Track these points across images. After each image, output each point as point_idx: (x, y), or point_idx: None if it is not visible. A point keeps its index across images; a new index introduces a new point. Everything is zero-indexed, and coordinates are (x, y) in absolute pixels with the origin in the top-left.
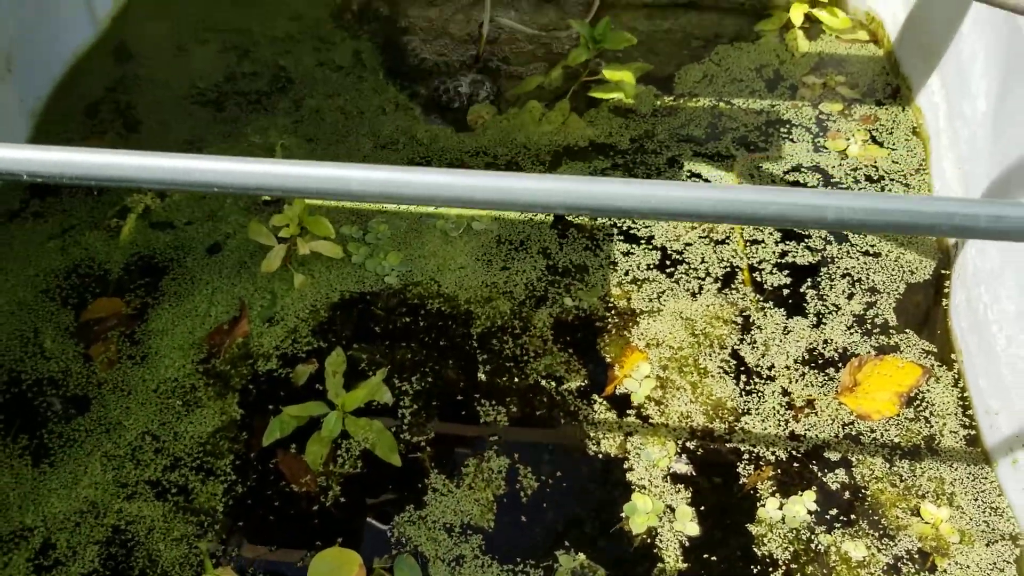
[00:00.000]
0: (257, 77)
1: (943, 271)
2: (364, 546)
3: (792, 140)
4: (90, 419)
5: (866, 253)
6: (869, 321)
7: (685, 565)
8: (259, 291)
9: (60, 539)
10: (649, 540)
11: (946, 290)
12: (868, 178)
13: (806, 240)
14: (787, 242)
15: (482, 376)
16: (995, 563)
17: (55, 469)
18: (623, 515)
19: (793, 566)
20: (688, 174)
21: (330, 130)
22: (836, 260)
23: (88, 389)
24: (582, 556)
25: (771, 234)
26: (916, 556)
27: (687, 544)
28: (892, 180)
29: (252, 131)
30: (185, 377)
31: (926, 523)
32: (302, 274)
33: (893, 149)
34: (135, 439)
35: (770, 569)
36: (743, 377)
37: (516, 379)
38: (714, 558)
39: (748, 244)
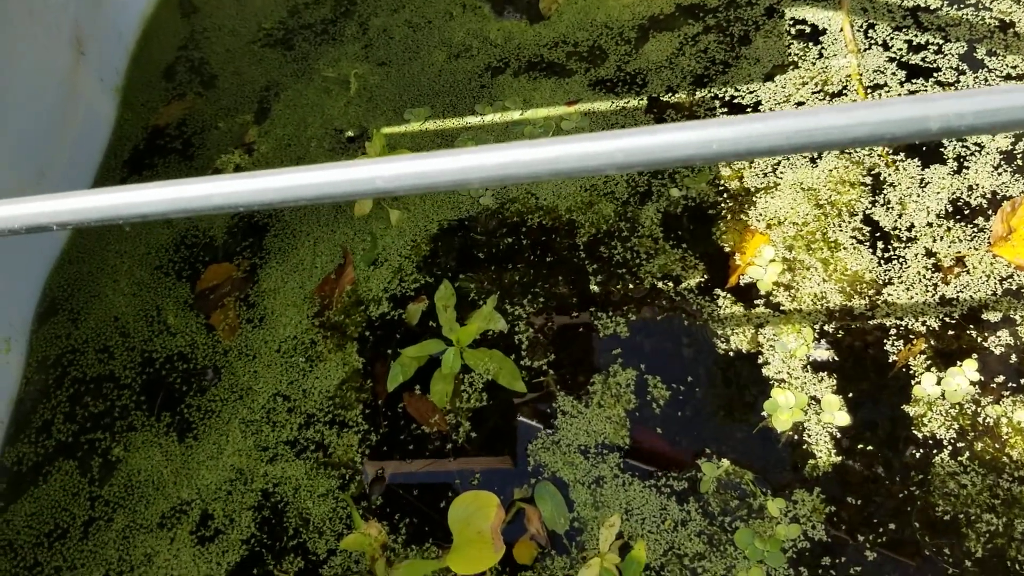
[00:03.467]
0: (319, 5)
1: None
2: (501, 479)
3: None
4: (223, 388)
5: (1008, 77)
6: (1020, 155)
7: (839, 459)
8: (359, 235)
9: (216, 509)
10: (796, 436)
11: None
12: None
13: (935, 75)
14: (913, 80)
15: (594, 287)
16: None
17: (199, 442)
18: (764, 413)
19: (960, 444)
20: (790, 21)
21: (400, 48)
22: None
23: (215, 358)
24: (726, 462)
25: (894, 75)
26: None
27: (838, 436)
28: None
29: (324, 65)
30: (303, 333)
31: None
32: (397, 210)
33: None
34: (267, 402)
35: (934, 451)
36: (880, 244)
37: (631, 285)
38: (870, 447)
39: (869, 92)
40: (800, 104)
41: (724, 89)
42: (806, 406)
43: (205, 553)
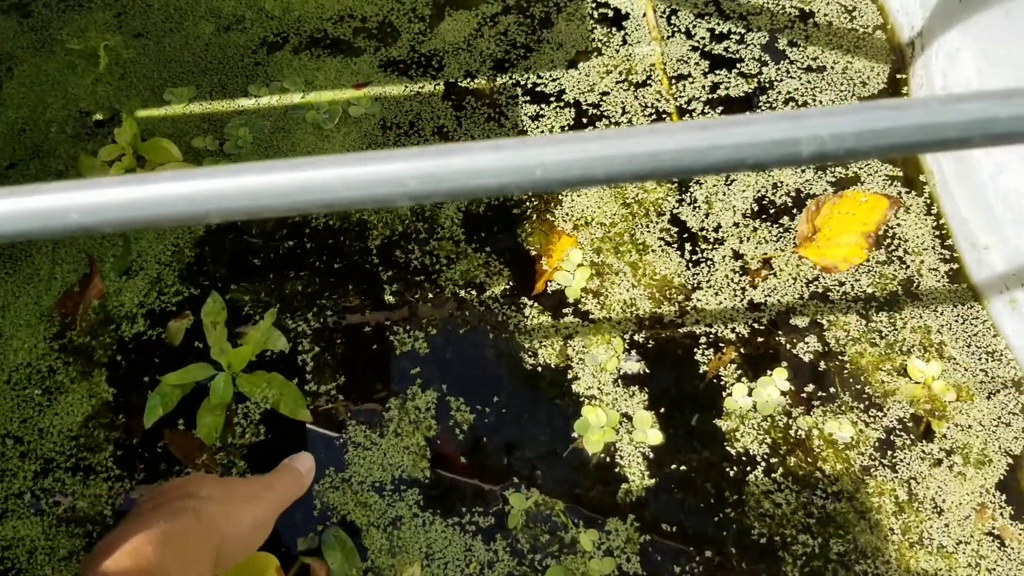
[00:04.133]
0: None
1: (898, 75)
2: (284, 525)
3: None
4: None
5: (808, 69)
6: None
7: (652, 480)
8: (108, 239)
9: None
10: (608, 458)
11: (905, 96)
12: None
13: (738, 65)
14: (717, 72)
15: (389, 297)
16: (999, 417)
17: None
18: (575, 434)
19: (773, 460)
20: (593, 4)
21: (160, 17)
22: (775, 84)
23: None
24: (536, 492)
25: (697, 64)
26: (910, 423)
27: (651, 455)
28: None
29: (68, 35)
30: (39, 359)
31: (916, 383)
32: None
33: None
34: None
35: (748, 467)
36: (688, 245)
37: (430, 294)
38: (683, 467)
39: (673, 82)
40: (605, 94)
41: (526, 75)
42: (618, 424)
43: None
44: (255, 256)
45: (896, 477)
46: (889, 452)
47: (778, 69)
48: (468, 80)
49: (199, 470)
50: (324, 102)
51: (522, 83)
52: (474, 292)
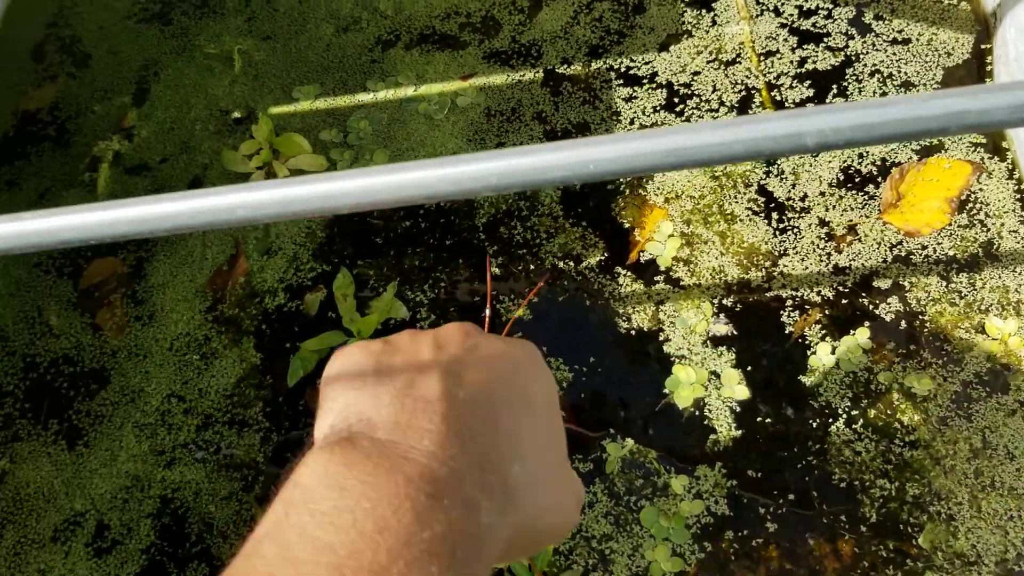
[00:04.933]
0: None
1: (983, 45)
2: None
3: None
4: (113, 391)
5: (894, 42)
6: None
7: (739, 432)
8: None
9: (112, 519)
10: (697, 412)
11: (988, 67)
12: None
13: (826, 39)
14: (805, 46)
15: (495, 269)
16: None
17: (91, 449)
18: (666, 391)
19: (854, 412)
20: None
21: (286, 21)
22: (862, 57)
23: (104, 360)
24: (630, 441)
25: (785, 40)
26: (986, 378)
27: (738, 409)
28: None
29: (205, 40)
30: (196, 329)
31: (993, 340)
32: None
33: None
34: (161, 403)
35: (830, 419)
36: (775, 215)
37: (532, 265)
38: (768, 419)
39: (762, 59)
40: (696, 74)
41: (620, 60)
42: (707, 382)
43: (103, 565)
44: (377, 236)
45: (971, 426)
46: (965, 404)
47: (864, 42)
48: (565, 66)
49: None
50: (434, 94)
51: (616, 67)
52: (572, 263)
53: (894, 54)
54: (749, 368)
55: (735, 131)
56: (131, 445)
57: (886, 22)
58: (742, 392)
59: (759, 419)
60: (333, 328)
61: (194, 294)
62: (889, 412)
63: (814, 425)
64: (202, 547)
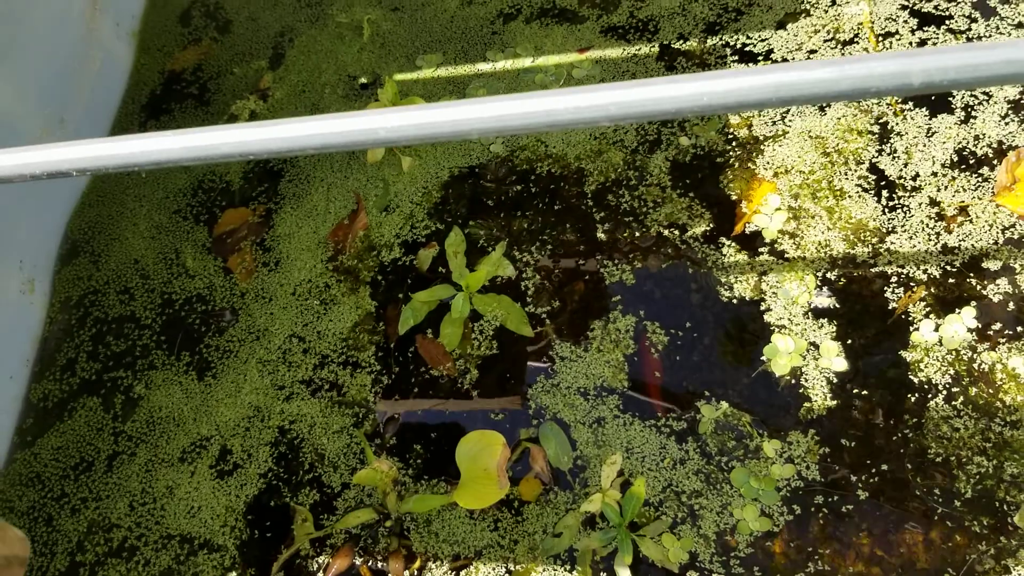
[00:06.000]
0: None
1: None
2: (507, 420)
3: None
4: (240, 329)
5: (1020, 25)
6: None
7: (834, 402)
8: (371, 181)
9: (234, 444)
10: (794, 381)
11: None
12: None
13: (947, 22)
14: (925, 28)
15: (601, 235)
16: None
17: (218, 380)
18: (764, 358)
19: (955, 389)
20: None
21: None
22: (985, 40)
23: (233, 300)
24: (725, 404)
25: (906, 23)
26: None
27: (835, 380)
28: None
29: (337, 10)
30: (318, 276)
31: None
32: (408, 157)
33: None
34: (283, 343)
35: (929, 395)
36: (885, 192)
37: (637, 233)
38: (864, 391)
39: (880, 39)
40: (812, 52)
41: (736, 37)
42: (805, 352)
43: (224, 486)
44: (489, 198)
45: None
46: None
47: (987, 25)
48: (681, 42)
49: (443, 372)
50: (551, 66)
51: (732, 44)
52: (677, 232)
53: (1020, 37)
54: (849, 341)
55: (842, 68)
56: (254, 379)
57: (1012, 6)
58: (840, 364)
59: (856, 390)
60: (443, 282)
61: (317, 244)
62: (991, 391)
63: (912, 400)
64: (314, 475)
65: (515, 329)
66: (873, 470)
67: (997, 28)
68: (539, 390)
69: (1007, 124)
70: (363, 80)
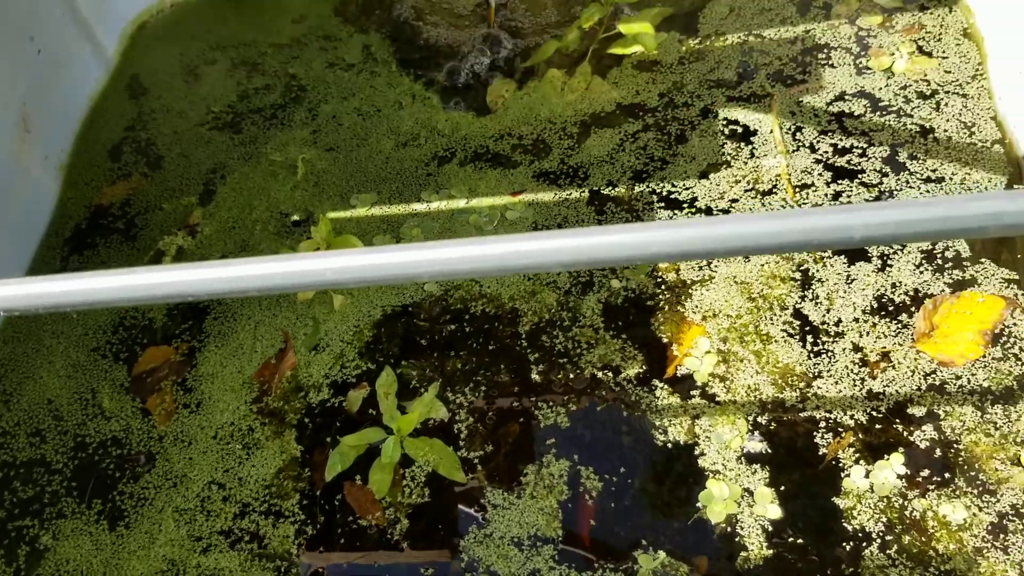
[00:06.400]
0: (269, 90)
1: (1015, 185)
2: (439, 573)
3: (832, 65)
4: (157, 475)
5: (928, 180)
6: (939, 256)
7: (770, 551)
8: (300, 319)
9: None
10: (730, 528)
11: None
12: (920, 95)
13: (860, 176)
14: (840, 181)
15: (536, 376)
16: None
17: (131, 531)
18: (700, 504)
19: (888, 537)
20: (724, 122)
21: (349, 135)
22: (895, 193)
23: (151, 444)
24: (662, 554)
25: (821, 175)
26: (1023, 510)
27: (770, 528)
28: (946, 92)
29: (271, 149)
30: (241, 419)
31: None
32: (340, 295)
33: (944, 57)
34: (202, 490)
35: (863, 544)
36: (809, 338)
37: (571, 375)
38: (800, 540)
39: (797, 190)
40: (734, 201)
41: (662, 184)
42: (740, 498)
43: None
44: (422, 338)
45: (1008, 559)
46: (1001, 535)
47: (898, 179)
48: (610, 188)
49: (372, 521)
50: (485, 207)
51: (658, 191)
52: (610, 374)
53: (928, 191)
54: (782, 487)
55: (788, 222)
56: (170, 529)
57: (920, 161)
58: (775, 511)
59: (791, 539)
60: (373, 425)
61: (241, 385)
62: (924, 539)
63: (847, 548)
64: None
65: (447, 475)
66: None
67: (907, 182)
68: (472, 541)
69: (921, 273)
70: (295, 217)
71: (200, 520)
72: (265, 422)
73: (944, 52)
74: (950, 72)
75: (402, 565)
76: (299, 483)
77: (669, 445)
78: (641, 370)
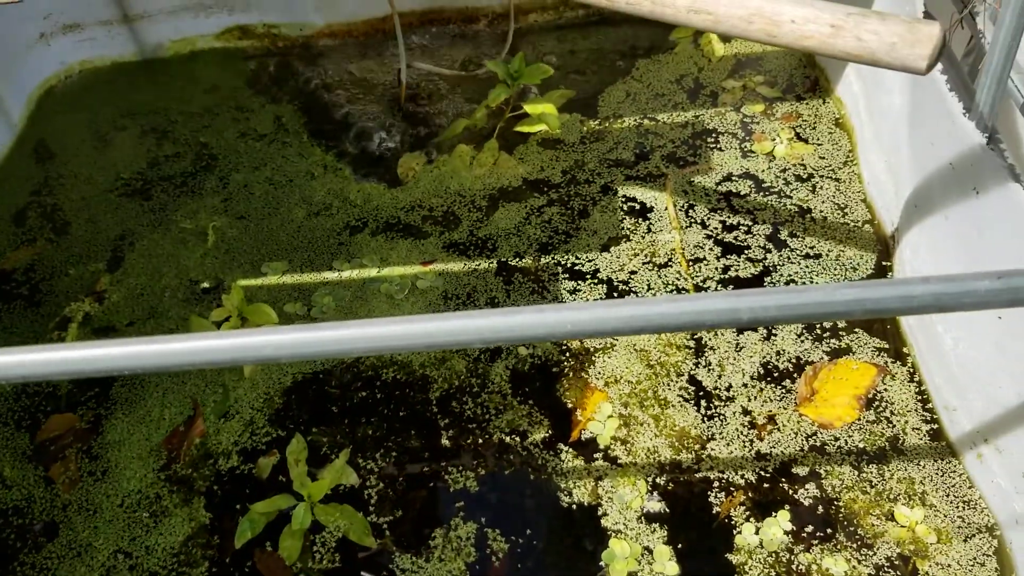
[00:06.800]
0: (180, 158)
1: (884, 263)
2: None
3: (720, 148)
4: (60, 544)
5: (806, 256)
6: (818, 326)
7: None
8: (210, 386)
9: None
10: None
11: None
12: (798, 178)
13: (746, 251)
14: (728, 256)
15: (445, 442)
16: (975, 558)
17: None
18: (603, 563)
19: None
20: (623, 199)
21: (260, 203)
22: (778, 267)
23: (54, 513)
24: None
25: (711, 250)
26: (897, 562)
27: None
28: (822, 176)
29: (182, 216)
30: (148, 487)
31: (902, 527)
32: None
33: (819, 144)
34: (107, 559)
35: None
36: (703, 402)
37: (480, 440)
38: None
39: (690, 264)
40: (633, 273)
41: (566, 256)
42: (640, 556)
43: None
44: (333, 404)
45: None
46: None
47: (780, 255)
48: (517, 259)
49: None
50: (396, 276)
51: (562, 263)
52: (518, 438)
53: (806, 266)
54: (679, 545)
55: (684, 305)
56: None
57: (799, 239)
58: (672, 568)
59: None
60: (284, 492)
61: (148, 452)
62: None
63: None
64: None
65: (357, 540)
66: None
67: (788, 258)
68: None
69: (803, 341)
70: (205, 284)
71: None
72: (173, 490)
73: (819, 139)
74: (824, 158)
75: None
76: (208, 551)
77: (574, 507)
78: (547, 434)
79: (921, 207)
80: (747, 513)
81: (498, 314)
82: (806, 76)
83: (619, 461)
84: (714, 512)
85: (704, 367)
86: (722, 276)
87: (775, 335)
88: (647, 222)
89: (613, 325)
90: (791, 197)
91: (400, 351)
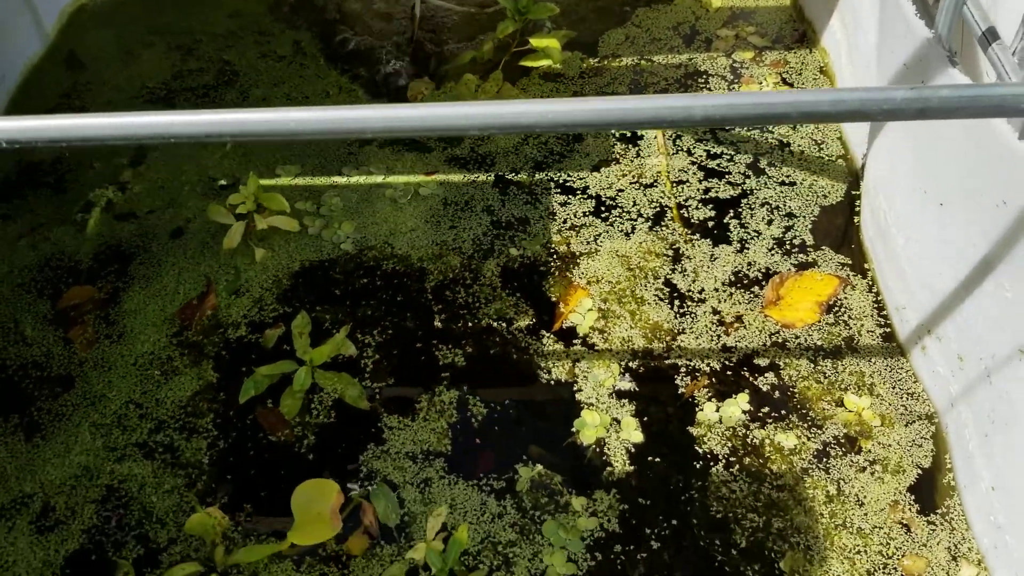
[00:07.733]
0: (203, 72)
1: (853, 192)
2: (340, 475)
3: (710, 89)
4: (75, 394)
5: (782, 183)
6: (788, 243)
7: (632, 467)
8: (223, 267)
9: (58, 502)
10: (599, 449)
11: (857, 208)
12: None
13: (727, 176)
14: (710, 180)
15: (438, 324)
16: (914, 440)
17: (47, 441)
18: (574, 429)
19: (732, 459)
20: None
21: None
22: (755, 191)
23: (71, 368)
24: (540, 467)
25: (695, 174)
26: (843, 441)
27: (633, 450)
28: None
29: None
30: (161, 349)
31: (850, 412)
32: (262, 248)
33: (803, 88)
34: (120, 408)
35: (711, 463)
36: (677, 302)
37: (469, 323)
38: (658, 459)
39: (675, 185)
40: (620, 191)
41: (559, 174)
42: (609, 425)
43: (43, 541)
44: (337, 288)
45: (828, 477)
46: (824, 459)
47: (758, 181)
48: (513, 174)
49: (280, 438)
50: (400, 183)
51: (555, 180)
52: (504, 324)
53: (781, 192)
54: (646, 418)
55: (645, 102)
56: (86, 440)
57: (777, 168)
58: (637, 436)
59: (650, 458)
60: (288, 359)
61: (163, 321)
62: (761, 461)
63: (697, 467)
64: (140, 532)
65: (352, 403)
66: (664, 524)
67: (765, 183)
68: (370, 456)
69: (773, 255)
70: (223, 182)
71: (116, 433)
72: (184, 352)
73: (803, 85)
74: None
75: (308, 472)
76: (214, 405)
77: (552, 382)
78: (531, 322)
79: (886, 128)
80: (710, 395)
81: (490, 105)
82: (795, 28)
83: (596, 347)
84: (679, 392)
85: (680, 273)
86: (703, 196)
87: (748, 248)
88: (636, 147)
89: (585, 117)
90: (772, 132)
91: (406, 134)
